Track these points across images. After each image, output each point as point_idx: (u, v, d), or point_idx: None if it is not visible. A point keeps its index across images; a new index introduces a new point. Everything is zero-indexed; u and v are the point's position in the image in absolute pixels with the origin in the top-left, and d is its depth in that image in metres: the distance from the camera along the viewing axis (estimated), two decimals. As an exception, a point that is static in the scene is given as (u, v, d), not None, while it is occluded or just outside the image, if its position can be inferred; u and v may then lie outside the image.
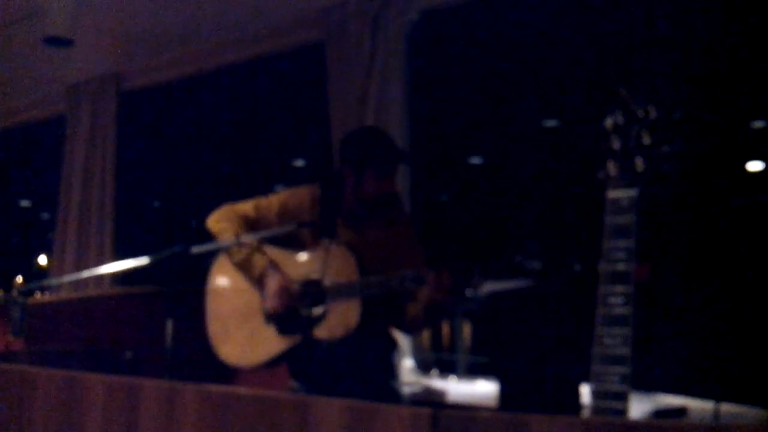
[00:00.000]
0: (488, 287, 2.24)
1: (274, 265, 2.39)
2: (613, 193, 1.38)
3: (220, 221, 2.48)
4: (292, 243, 2.45)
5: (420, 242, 2.49)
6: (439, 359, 3.98)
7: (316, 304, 2.32)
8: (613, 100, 1.41)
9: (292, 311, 2.35)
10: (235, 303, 2.48)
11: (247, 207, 2.51)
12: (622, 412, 1.30)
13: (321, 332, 2.28)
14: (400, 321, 2.39)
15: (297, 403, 1.10)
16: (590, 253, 1.55)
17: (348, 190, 2.41)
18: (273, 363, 2.38)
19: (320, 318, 2.30)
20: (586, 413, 1.70)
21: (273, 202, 2.50)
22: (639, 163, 1.36)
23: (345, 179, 2.42)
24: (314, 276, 2.35)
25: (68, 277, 4.71)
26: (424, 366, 3.66)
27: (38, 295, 4.95)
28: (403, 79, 3.66)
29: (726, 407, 2.30)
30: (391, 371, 2.44)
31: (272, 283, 2.35)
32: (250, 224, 2.46)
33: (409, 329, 2.55)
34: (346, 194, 2.43)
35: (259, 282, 2.40)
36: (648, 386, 2.66)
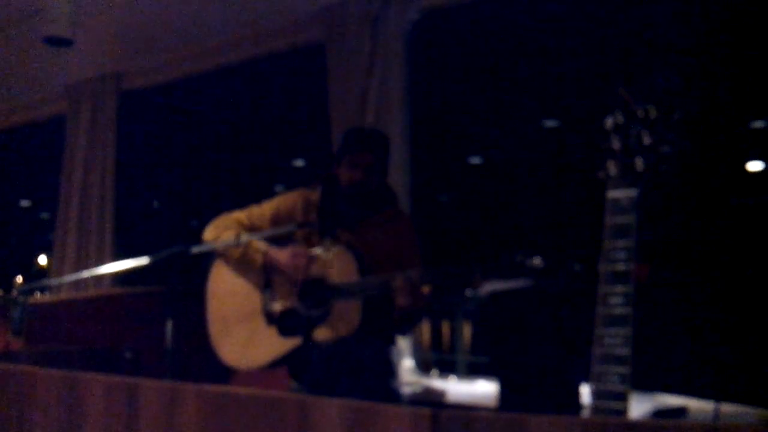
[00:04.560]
0: (488, 287, 2.24)
1: (272, 248, 2.40)
2: (613, 193, 1.38)
3: (215, 230, 2.50)
4: (286, 244, 2.45)
5: (417, 241, 2.49)
6: (439, 359, 3.98)
7: (316, 304, 2.32)
8: (613, 100, 1.41)
9: (294, 312, 2.35)
10: (236, 305, 2.48)
11: (241, 216, 2.53)
12: (622, 412, 1.30)
13: (322, 333, 2.28)
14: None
15: (297, 403, 1.10)
16: (590, 253, 1.55)
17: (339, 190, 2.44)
18: (274, 365, 2.38)
19: (321, 319, 2.30)
20: (586, 413, 1.70)
21: (265, 209, 2.52)
22: (639, 163, 1.36)
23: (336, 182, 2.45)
24: (314, 276, 2.35)
25: (68, 277, 4.71)
26: (424, 366, 3.66)
27: (38, 295, 4.95)
28: (403, 79, 3.66)
29: (726, 407, 2.30)
30: (391, 371, 2.44)
31: (282, 254, 2.36)
32: (245, 231, 2.47)
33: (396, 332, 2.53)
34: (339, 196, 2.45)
35: (264, 268, 2.40)
36: (648, 386, 2.66)
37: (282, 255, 2.37)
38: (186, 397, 1.23)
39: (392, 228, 2.46)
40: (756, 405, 2.42)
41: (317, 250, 2.39)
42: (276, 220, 2.48)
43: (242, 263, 2.44)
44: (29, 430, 1.54)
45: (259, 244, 2.42)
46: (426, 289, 2.22)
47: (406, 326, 2.44)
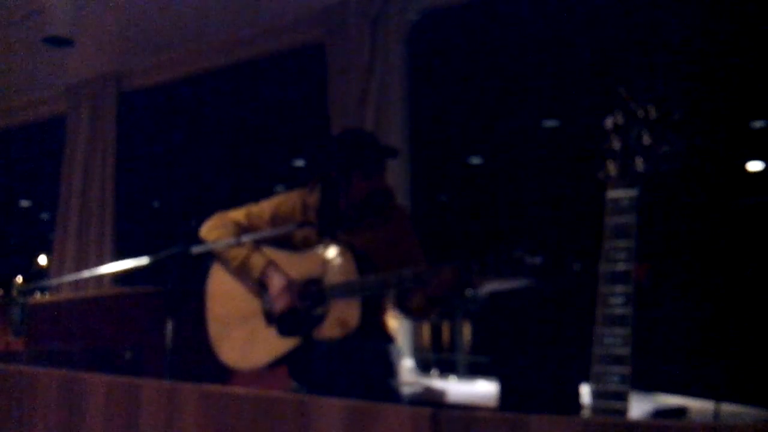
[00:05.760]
0: (488, 287, 2.24)
1: (273, 264, 2.39)
2: (613, 193, 1.38)
3: (213, 230, 2.49)
4: (285, 245, 2.45)
5: (416, 237, 2.49)
6: (439, 359, 3.98)
7: (316, 304, 2.32)
8: (613, 100, 1.41)
9: (293, 312, 2.35)
10: (235, 305, 2.48)
11: (239, 215, 2.51)
12: (622, 412, 1.30)
13: (321, 333, 2.28)
14: (405, 309, 2.40)
15: (297, 403, 1.10)
16: (590, 253, 1.55)
17: (340, 194, 2.42)
18: (274, 365, 2.38)
19: (320, 318, 2.30)
20: (586, 413, 1.70)
21: (264, 208, 2.51)
22: (639, 163, 1.36)
23: (336, 184, 2.43)
24: (314, 276, 2.35)
25: (68, 277, 4.71)
26: (424, 366, 3.66)
27: (38, 295, 4.96)
28: (403, 79, 3.66)
29: (726, 407, 2.30)
30: (390, 371, 2.44)
31: (276, 282, 2.35)
32: (243, 231, 2.46)
33: (416, 318, 2.69)
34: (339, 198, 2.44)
35: (260, 283, 2.40)
36: (648, 386, 2.66)
37: (275, 283, 2.37)
38: (186, 397, 1.23)
39: (391, 226, 2.46)
40: (756, 405, 2.42)
41: (312, 252, 2.38)
42: (275, 220, 2.48)
43: (241, 270, 2.44)
44: (29, 430, 1.54)
45: (260, 258, 2.42)
46: (450, 274, 2.14)
47: (437, 311, 2.41)
